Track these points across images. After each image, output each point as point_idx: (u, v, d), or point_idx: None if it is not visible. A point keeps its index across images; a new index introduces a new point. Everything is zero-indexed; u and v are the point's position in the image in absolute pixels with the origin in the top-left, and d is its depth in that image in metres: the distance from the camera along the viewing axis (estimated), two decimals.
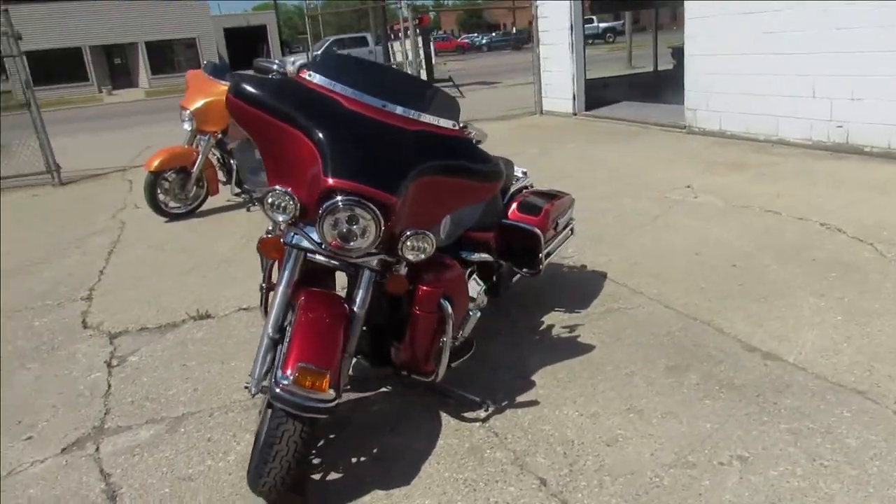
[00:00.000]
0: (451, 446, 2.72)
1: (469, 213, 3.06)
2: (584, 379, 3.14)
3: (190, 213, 6.79)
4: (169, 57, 33.67)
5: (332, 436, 2.86)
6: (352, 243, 2.34)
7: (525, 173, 4.10)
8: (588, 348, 3.41)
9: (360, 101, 2.44)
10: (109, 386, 3.47)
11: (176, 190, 6.64)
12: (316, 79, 2.48)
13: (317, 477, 2.60)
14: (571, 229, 4.11)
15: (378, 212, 2.29)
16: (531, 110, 12.20)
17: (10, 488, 2.70)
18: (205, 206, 6.92)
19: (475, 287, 3.20)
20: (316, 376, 2.18)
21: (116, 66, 33.56)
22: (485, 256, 3.36)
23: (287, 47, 45.06)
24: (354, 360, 2.69)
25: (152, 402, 3.27)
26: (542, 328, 3.69)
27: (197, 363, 3.61)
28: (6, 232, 6.95)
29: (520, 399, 3.01)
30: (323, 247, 2.39)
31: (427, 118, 2.51)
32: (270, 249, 2.45)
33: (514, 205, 3.59)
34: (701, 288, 4.02)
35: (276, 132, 2.41)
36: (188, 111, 6.42)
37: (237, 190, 6.85)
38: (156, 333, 4.06)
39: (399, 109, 2.46)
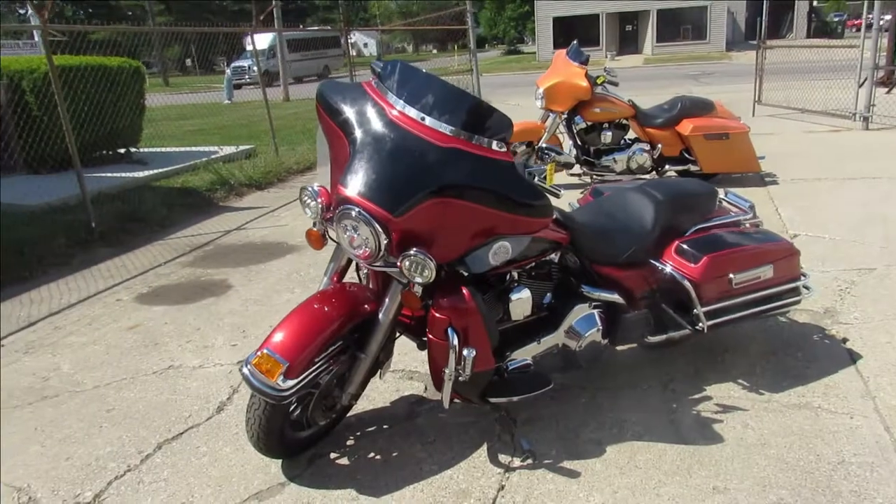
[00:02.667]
0: (450, 480, 2.60)
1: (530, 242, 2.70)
2: (656, 472, 2.55)
3: None
4: (675, 26, 33.79)
5: (385, 426, 2.99)
6: (357, 251, 2.41)
7: (752, 207, 3.30)
8: (712, 440, 2.72)
9: (402, 110, 2.42)
10: None
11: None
12: (375, 84, 2.54)
13: (334, 455, 2.80)
14: (799, 288, 3.17)
15: (377, 227, 2.30)
16: None
17: (187, 376, 3.59)
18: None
19: (588, 326, 2.86)
20: (273, 365, 2.38)
21: (627, 32, 35.24)
22: (608, 296, 2.92)
23: (815, 16, 40.50)
24: None
25: None
26: (691, 397, 3.03)
27: None
28: None
29: (564, 465, 2.64)
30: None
31: (464, 136, 2.36)
32: (313, 240, 2.66)
33: (676, 244, 2.97)
34: None
35: (334, 136, 2.57)
36: (541, 89, 6.70)
37: (579, 170, 6.92)
38: None
39: (436, 124, 2.37)
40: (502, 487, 2.54)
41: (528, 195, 2.39)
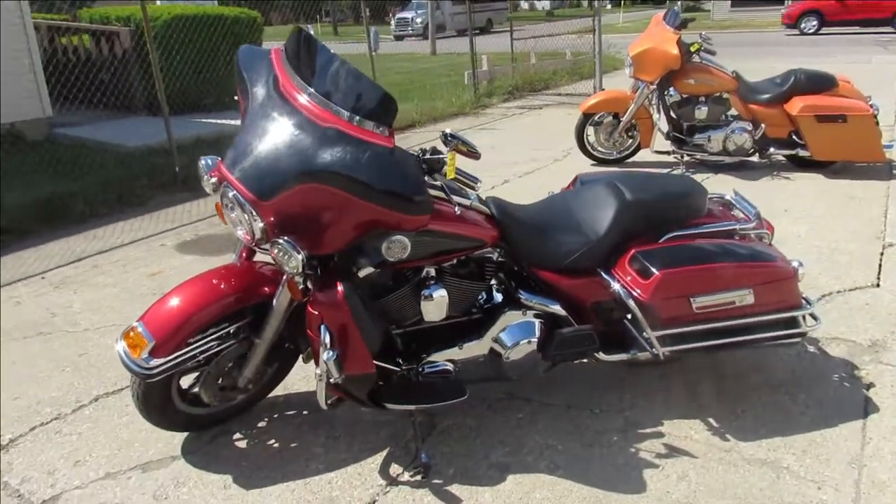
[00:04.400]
0: (326, 485, 2.42)
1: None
2: None
3: (618, 161, 6.57)
4: None
5: (305, 412, 2.86)
6: (238, 232, 2.29)
7: (757, 216, 2.75)
8: (632, 489, 2.32)
9: (293, 83, 2.23)
10: None
11: (603, 135, 6.50)
12: (281, 53, 2.35)
13: (238, 436, 2.72)
14: (798, 320, 2.61)
15: (250, 209, 2.16)
16: None
17: None
18: (637, 158, 6.57)
19: (519, 336, 2.55)
20: (139, 341, 2.31)
21: None
22: (543, 305, 2.56)
23: None
24: None
25: None
26: (641, 430, 2.61)
27: None
28: (512, 140, 8.09)
29: (452, 489, 2.37)
30: None
31: (346, 115, 2.11)
32: (220, 214, 2.53)
33: (633, 252, 2.51)
34: None
35: (242, 105, 2.42)
36: (629, 56, 6.08)
37: (668, 147, 6.26)
38: None
39: (320, 100, 2.15)
40: (372, 502, 2.33)
41: (405, 188, 2.10)
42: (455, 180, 2.31)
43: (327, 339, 2.22)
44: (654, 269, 2.42)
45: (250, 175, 2.14)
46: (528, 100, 11.38)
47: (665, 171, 6.24)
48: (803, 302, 2.62)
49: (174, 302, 2.39)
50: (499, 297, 2.69)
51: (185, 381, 2.59)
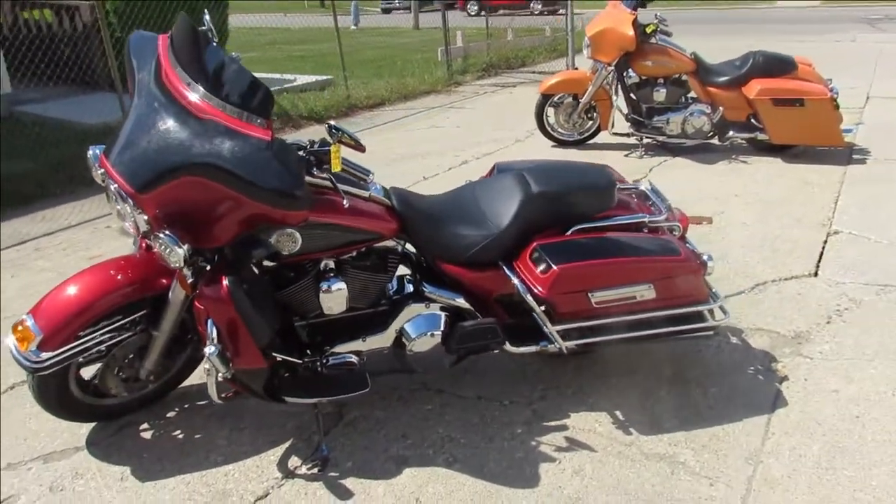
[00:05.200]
0: (223, 477, 2.41)
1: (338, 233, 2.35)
2: None
3: (578, 143, 6.52)
4: None
5: (212, 403, 2.83)
6: (125, 223, 2.25)
7: (669, 208, 2.71)
8: (526, 483, 2.31)
9: (175, 72, 2.17)
10: None
11: (562, 116, 6.43)
12: (169, 41, 2.29)
13: (144, 426, 2.70)
14: (704, 314, 2.59)
15: (131, 202, 2.12)
16: None
17: None
18: (597, 140, 6.51)
19: (421, 329, 2.54)
20: (27, 334, 2.28)
21: None
22: (448, 298, 2.54)
23: None
24: None
25: None
26: (547, 423, 2.60)
27: None
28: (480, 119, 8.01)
29: (346, 482, 2.36)
30: None
31: (224, 107, 2.06)
32: None
33: (534, 245, 2.48)
34: None
35: (130, 92, 2.37)
36: (587, 37, 6.00)
37: (628, 130, 6.19)
38: None
39: (199, 92, 2.10)
40: (265, 496, 2.32)
41: (282, 182, 2.06)
42: (344, 172, 2.27)
43: (214, 334, 2.20)
44: (552, 264, 2.40)
45: (129, 167, 2.10)
46: (503, 77, 11.27)
47: (625, 153, 6.22)
48: (710, 296, 2.61)
49: (66, 293, 2.35)
50: (410, 288, 2.67)
51: (89, 372, 2.57)
